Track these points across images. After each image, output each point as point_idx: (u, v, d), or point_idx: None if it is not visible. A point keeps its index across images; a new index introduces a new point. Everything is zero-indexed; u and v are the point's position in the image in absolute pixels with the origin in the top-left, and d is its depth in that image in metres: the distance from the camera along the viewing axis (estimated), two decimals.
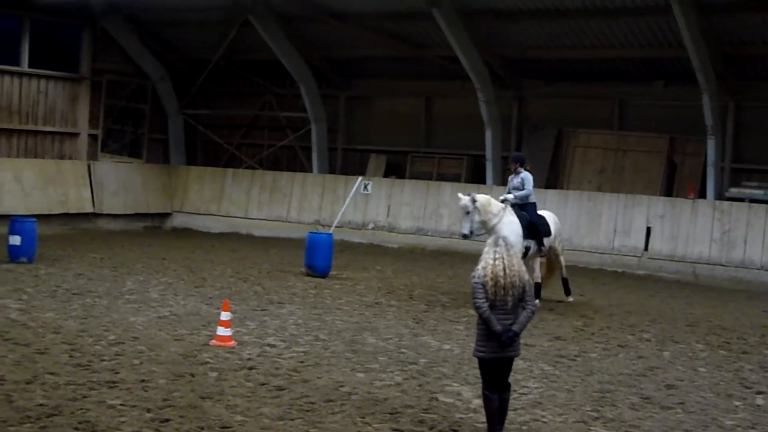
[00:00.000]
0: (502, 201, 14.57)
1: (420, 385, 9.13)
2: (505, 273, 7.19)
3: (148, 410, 7.75)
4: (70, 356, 9.56)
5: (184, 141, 27.49)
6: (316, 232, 17.54)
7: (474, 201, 14.08)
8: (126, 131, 26.46)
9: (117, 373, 8.97)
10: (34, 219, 17.32)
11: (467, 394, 8.82)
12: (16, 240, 16.40)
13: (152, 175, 26.39)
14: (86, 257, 17.90)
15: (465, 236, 14.37)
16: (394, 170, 24.84)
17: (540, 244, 14.57)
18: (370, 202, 23.76)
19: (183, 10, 23.78)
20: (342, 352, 10.53)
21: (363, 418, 7.92)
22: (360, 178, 21.23)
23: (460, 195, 14.45)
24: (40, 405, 7.72)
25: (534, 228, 14.51)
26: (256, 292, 14.61)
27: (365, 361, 10.08)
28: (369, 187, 23.58)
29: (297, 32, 23.96)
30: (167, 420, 7.51)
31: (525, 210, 14.64)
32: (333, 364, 9.90)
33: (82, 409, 7.68)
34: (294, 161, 26.32)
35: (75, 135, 24.97)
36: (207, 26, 24.64)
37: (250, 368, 9.46)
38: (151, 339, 10.62)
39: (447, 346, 11.12)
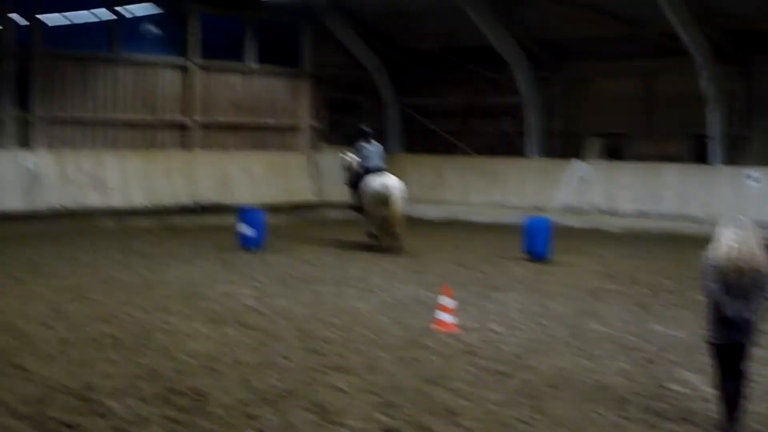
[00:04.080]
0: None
1: (647, 372, 8.90)
2: (743, 256, 6.84)
3: (376, 394, 7.96)
4: (301, 341, 9.95)
5: (402, 130, 27.92)
6: (534, 218, 17.37)
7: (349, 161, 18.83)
8: (346, 123, 27.17)
9: (345, 357, 9.25)
10: (263, 209, 18.13)
11: (698, 383, 8.49)
12: (247, 230, 17.22)
13: None
14: (312, 245, 18.52)
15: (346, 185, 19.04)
16: (613, 153, 24.24)
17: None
18: (589, 186, 23.32)
19: (399, 1, 24.13)
20: (564, 337, 10.41)
21: (589, 404, 7.81)
22: (578, 161, 20.87)
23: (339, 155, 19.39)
24: (274, 387, 8.08)
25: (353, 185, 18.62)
26: (477, 278, 14.66)
27: (589, 347, 9.93)
28: (587, 171, 23.15)
29: (510, 16, 23.80)
30: (394, 404, 7.68)
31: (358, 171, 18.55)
32: (556, 349, 9.81)
33: (313, 391, 7.97)
34: (510, 146, 26.18)
35: (298, 127, 25.92)
36: (422, 15, 24.87)
37: (473, 353, 9.52)
38: (375, 324, 10.89)
39: (674, 332, 10.76)
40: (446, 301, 10.72)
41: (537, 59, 25.06)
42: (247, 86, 24.91)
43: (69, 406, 7.40)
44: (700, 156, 22.43)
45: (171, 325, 10.56)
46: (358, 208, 18.68)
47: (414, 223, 24.44)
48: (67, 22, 22.64)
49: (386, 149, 27.59)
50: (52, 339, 9.74)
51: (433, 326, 10.68)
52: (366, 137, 18.87)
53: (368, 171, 18.40)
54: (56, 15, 21.91)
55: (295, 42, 26.07)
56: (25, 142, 20.95)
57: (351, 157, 19.06)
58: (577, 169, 20.48)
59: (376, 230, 18.15)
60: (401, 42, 26.91)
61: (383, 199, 17.69)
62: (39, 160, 20.58)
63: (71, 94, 21.79)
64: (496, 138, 26.47)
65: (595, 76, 25.18)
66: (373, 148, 18.80)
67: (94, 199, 21.29)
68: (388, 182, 17.97)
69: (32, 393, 7.71)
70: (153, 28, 23.84)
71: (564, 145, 25.42)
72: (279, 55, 25.82)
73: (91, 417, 7.14)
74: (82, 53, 22.03)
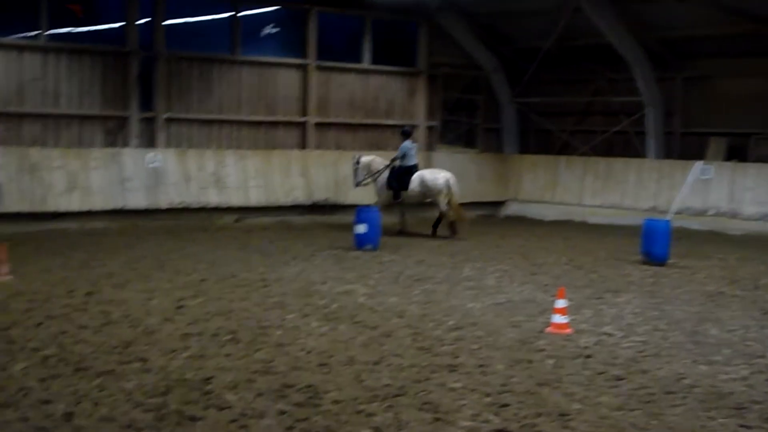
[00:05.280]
0: (391, 161, 20.27)
1: None
2: None
3: (488, 394, 7.96)
4: (413, 339, 10.01)
5: (517, 130, 27.77)
6: (653, 219, 17.07)
7: (357, 162, 20.55)
8: (461, 122, 27.22)
9: (457, 357, 9.28)
10: (378, 208, 18.30)
11: None
12: (361, 228, 17.40)
13: (486, 164, 26.92)
14: (426, 244, 18.60)
15: (356, 186, 20.85)
16: (736, 153, 23.58)
17: (396, 195, 20.13)
18: (710, 187, 22.76)
19: (516, 0, 24.01)
20: (682, 342, 10.21)
21: (707, 412, 7.65)
22: (699, 162, 20.40)
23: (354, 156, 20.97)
24: (387, 385, 8.16)
25: (390, 183, 20.12)
26: (592, 280, 14.49)
27: (708, 353, 9.71)
28: (709, 172, 22.59)
29: (629, 14, 23.40)
30: (506, 405, 7.67)
31: (391, 171, 20.15)
32: (673, 354, 9.62)
33: (425, 390, 8.02)
34: (628, 147, 25.74)
35: (413, 127, 26.01)
36: (538, 15, 24.68)
37: (587, 356, 9.42)
38: (488, 325, 10.88)
39: None
40: (561, 303, 10.64)
41: (657, 57, 24.56)
42: (364, 86, 25.16)
43: (189, 398, 7.62)
44: None
45: (287, 322, 10.76)
46: (398, 200, 20.25)
47: (528, 223, 24.35)
48: (189, 24, 23.23)
49: (501, 149, 27.67)
50: (173, 333, 10.04)
51: (548, 328, 10.62)
52: (408, 136, 20.30)
53: (412, 168, 19.97)
54: (178, 17, 22.47)
55: (411, 42, 26.20)
56: (149, 141, 21.62)
57: (369, 158, 20.62)
58: (698, 170, 19.99)
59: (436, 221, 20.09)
60: (517, 41, 26.75)
61: (444, 191, 19.61)
62: (162, 159, 21.21)
63: (193, 95, 22.38)
64: (614, 138, 26.08)
65: (718, 75, 24.53)
66: (415, 146, 20.37)
67: (214, 197, 21.83)
68: (447, 175, 19.86)
69: (155, 385, 7.97)
70: (273, 29, 24.27)
71: (684, 146, 24.88)
72: (395, 54, 25.99)
73: (210, 409, 7.35)
74: (203, 54, 22.60)
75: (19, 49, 20.12)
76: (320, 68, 24.23)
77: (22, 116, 20.07)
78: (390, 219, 20.31)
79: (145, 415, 7.19)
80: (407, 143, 20.10)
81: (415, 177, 19.91)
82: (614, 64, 24.96)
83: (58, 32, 20.99)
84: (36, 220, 19.42)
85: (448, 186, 19.66)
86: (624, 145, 25.92)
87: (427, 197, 20.03)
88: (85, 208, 20.07)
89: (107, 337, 9.78)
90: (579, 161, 25.90)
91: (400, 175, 20.03)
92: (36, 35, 20.49)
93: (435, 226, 20.10)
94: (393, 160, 20.24)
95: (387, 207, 20.25)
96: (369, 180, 20.54)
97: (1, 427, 6.81)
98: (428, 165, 25.51)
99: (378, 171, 20.35)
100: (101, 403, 7.44)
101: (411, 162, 20.04)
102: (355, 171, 20.65)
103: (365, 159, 20.66)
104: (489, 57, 26.69)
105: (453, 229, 19.87)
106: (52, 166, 19.84)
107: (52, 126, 20.48)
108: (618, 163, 25.01)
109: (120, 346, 9.35)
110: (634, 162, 24.74)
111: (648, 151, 24.58)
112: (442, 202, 19.73)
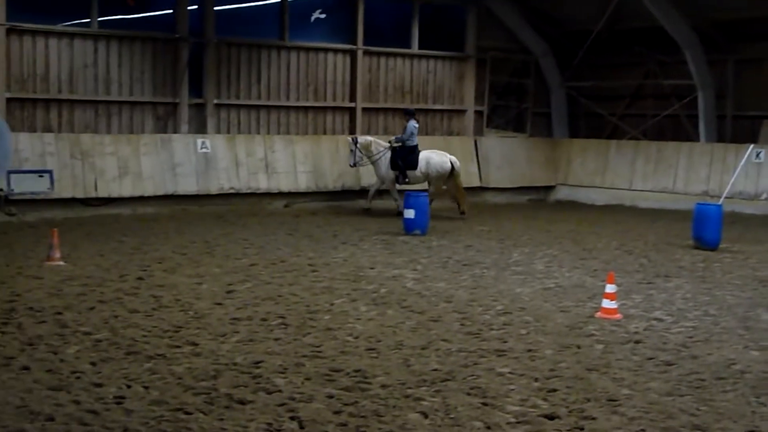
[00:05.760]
0: (389, 143, 20.74)
1: None
2: None
3: (536, 379, 7.95)
4: (461, 324, 10.01)
5: (567, 114, 27.56)
6: (705, 204, 16.87)
7: (356, 142, 20.70)
8: (510, 106, 27.07)
9: (505, 342, 9.27)
10: (426, 193, 18.28)
11: None
12: (410, 213, 17.41)
13: (536, 149, 26.77)
14: (474, 230, 18.57)
15: (352, 166, 21.12)
16: None
17: (403, 175, 20.42)
18: (763, 171, 22.41)
19: None
20: (733, 328, 10.09)
21: (757, 398, 7.57)
22: (751, 145, 20.09)
23: (348, 138, 21.54)
24: (435, 370, 8.18)
25: (395, 163, 20.39)
26: (642, 265, 14.37)
27: (759, 339, 9.59)
28: (762, 156, 22.26)
29: None
30: (554, 390, 7.65)
31: (395, 151, 20.46)
32: (724, 340, 9.53)
33: (473, 375, 8.03)
34: (679, 130, 25.44)
35: (462, 112, 25.98)
36: None
37: (637, 342, 9.36)
38: (537, 310, 10.85)
39: None
40: (610, 288, 10.57)
41: (709, 40, 24.19)
42: (412, 71, 25.12)
43: (239, 382, 7.70)
44: None
45: (335, 306, 10.81)
46: (403, 179, 20.59)
47: (578, 208, 24.19)
48: (238, 10, 23.33)
49: (551, 134, 27.47)
50: (223, 317, 10.14)
51: (597, 313, 10.56)
52: (412, 116, 20.72)
53: (416, 148, 20.47)
54: (228, 3, 22.58)
55: (459, 26, 26.08)
56: (199, 127, 21.79)
57: (368, 139, 20.94)
58: (751, 153, 19.69)
59: (434, 198, 20.31)
60: (567, 24, 26.52)
61: (449, 172, 20.34)
62: (212, 145, 21.37)
63: (242, 81, 22.50)
64: (665, 122, 25.78)
65: None
66: (417, 126, 20.77)
67: (263, 182, 21.95)
68: (452, 157, 20.58)
69: (205, 369, 8.06)
70: (321, 15, 24.30)
71: (736, 129, 24.52)
72: (443, 39, 25.90)
73: (259, 393, 7.42)
74: (252, 40, 22.69)
75: (71, 36, 20.35)
76: (368, 53, 24.23)
77: (73, 103, 20.33)
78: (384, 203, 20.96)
79: (195, 398, 7.27)
80: (412, 123, 20.49)
81: (422, 158, 20.37)
82: (665, 47, 24.63)
83: (109, 19, 21.21)
84: (88, 205, 19.71)
85: (453, 168, 20.35)
86: (675, 128, 25.63)
87: (429, 179, 20.53)
88: (136, 193, 20.30)
89: (158, 321, 9.90)
90: (629, 145, 25.65)
91: (406, 155, 20.36)
92: (88, 22, 20.73)
93: (460, 209, 20.69)
94: (398, 140, 20.58)
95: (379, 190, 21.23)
96: (367, 161, 20.98)
97: (55, 409, 6.94)
98: (478, 151, 25.52)
99: (379, 152, 20.68)
100: (152, 387, 7.54)
101: (414, 142, 20.50)
102: (352, 151, 20.83)
103: (363, 140, 20.93)
104: (538, 40, 26.49)
105: (459, 208, 20.70)
106: (103, 152, 20.08)
107: (103, 112, 20.73)
108: (669, 147, 24.72)
109: (170, 330, 9.47)
110: (686, 146, 24.44)
111: (700, 134, 24.26)
112: (441, 184, 20.54)
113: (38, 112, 19.92)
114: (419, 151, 20.47)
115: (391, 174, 20.69)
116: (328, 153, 22.98)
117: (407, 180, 20.54)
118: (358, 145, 20.75)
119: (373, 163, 20.91)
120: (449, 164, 20.37)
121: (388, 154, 20.64)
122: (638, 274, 13.45)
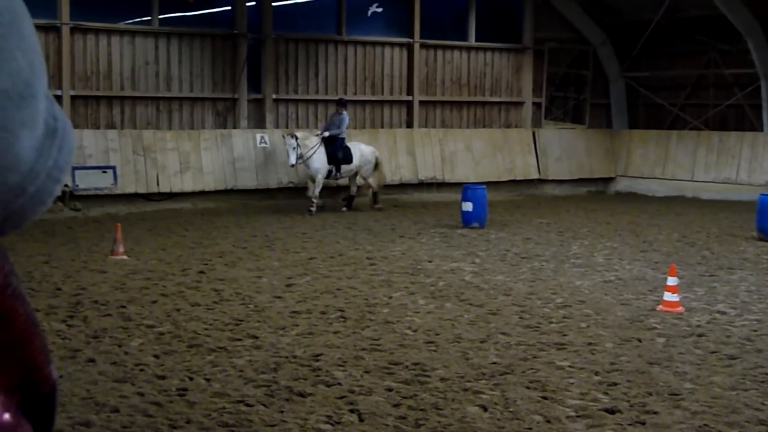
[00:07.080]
0: (319, 135, 19.60)
1: None
2: None
3: (596, 373, 7.89)
4: (520, 317, 9.98)
5: (626, 104, 27.26)
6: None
7: (296, 138, 19.15)
8: (568, 98, 26.85)
9: (565, 335, 9.21)
10: (485, 186, 18.24)
11: None
12: (468, 206, 17.39)
13: (595, 140, 26.53)
14: (533, 222, 18.47)
15: (292, 165, 19.47)
16: None
17: (338, 169, 19.63)
18: None
19: None
20: None
21: None
22: None
23: (284, 136, 19.82)
24: (494, 363, 8.16)
25: (334, 157, 19.50)
26: (704, 257, 14.18)
27: None
28: None
29: None
30: (615, 383, 7.59)
31: (333, 143, 19.46)
32: None
33: (532, 368, 7.99)
34: (742, 120, 25.02)
35: (520, 104, 25.83)
36: None
37: (700, 335, 9.24)
38: (597, 303, 10.76)
39: None
40: (672, 280, 10.45)
41: None
42: (469, 63, 25.04)
43: (298, 375, 7.76)
44: None
45: (394, 300, 10.84)
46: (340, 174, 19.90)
47: (638, 199, 23.93)
48: (296, 6, 23.46)
49: (610, 125, 27.19)
50: (283, 310, 10.22)
51: (659, 306, 10.45)
52: (344, 106, 20.12)
53: (343, 140, 19.87)
54: None
55: (516, 17, 25.93)
56: (258, 122, 21.97)
57: (303, 134, 19.66)
58: None
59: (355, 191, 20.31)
60: (625, 14, 26.20)
61: (375, 163, 20.21)
62: (270, 140, 21.52)
63: (300, 76, 22.63)
64: (727, 111, 25.37)
65: None
66: (347, 118, 20.07)
67: None
68: (374, 149, 20.52)
69: (265, 362, 8.14)
70: (378, 8, 24.32)
71: None
72: (500, 31, 25.76)
73: (318, 386, 7.47)
74: (310, 35, 22.81)
75: (133, 34, 20.65)
76: (425, 46, 24.21)
77: (135, 100, 20.63)
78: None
79: (256, 390, 7.35)
80: (345, 114, 20.00)
81: (353, 150, 19.99)
82: (726, 35, 24.22)
83: (169, 17, 21.48)
84: (150, 200, 20.00)
85: (379, 159, 20.43)
86: (738, 118, 25.21)
87: (360, 170, 20.16)
88: (197, 188, 20.55)
89: (219, 314, 10.02)
90: (691, 136, 25.29)
91: (344, 148, 19.82)
92: (149, 20, 21.01)
93: (350, 200, 20.34)
94: (330, 132, 19.62)
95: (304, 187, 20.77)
96: (307, 157, 19.49)
97: (119, 401, 7.06)
98: (536, 143, 25.36)
99: (314, 147, 19.43)
100: (213, 379, 7.64)
101: (344, 134, 19.94)
102: (294, 149, 19.12)
103: (302, 134, 19.69)
104: (596, 30, 26.22)
105: (376, 200, 20.46)
106: (165, 147, 20.35)
107: (164, 109, 20.99)
108: (731, 137, 24.34)
109: (231, 324, 9.58)
110: (749, 136, 24.04)
111: (763, 124, 23.83)
112: (372, 175, 20.33)
113: (101, 109, 20.26)
114: (351, 143, 20.13)
115: (325, 169, 19.63)
116: (386, 146, 23.00)
117: (341, 175, 19.91)
118: (298, 141, 19.23)
119: (307, 158, 19.48)
120: (376, 154, 20.32)
121: (322, 148, 19.53)
122: (700, 267, 13.28)
